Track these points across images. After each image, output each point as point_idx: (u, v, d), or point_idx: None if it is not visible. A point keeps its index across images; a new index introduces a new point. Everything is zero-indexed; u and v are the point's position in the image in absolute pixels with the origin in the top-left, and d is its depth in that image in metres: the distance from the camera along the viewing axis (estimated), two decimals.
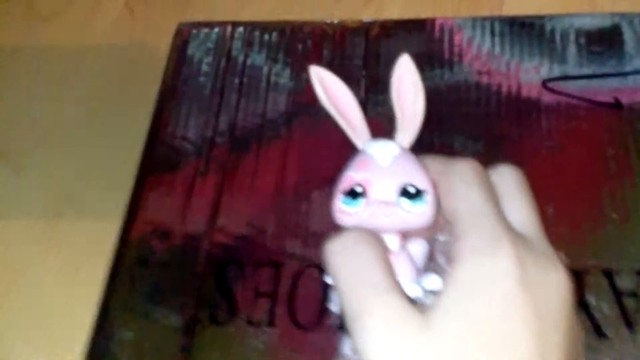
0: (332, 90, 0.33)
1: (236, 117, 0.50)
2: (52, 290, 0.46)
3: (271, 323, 0.40)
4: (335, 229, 0.33)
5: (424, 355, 0.27)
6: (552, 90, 0.48)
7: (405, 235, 0.34)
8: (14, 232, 0.49)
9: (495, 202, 0.30)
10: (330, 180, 0.45)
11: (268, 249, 0.43)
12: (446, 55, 0.51)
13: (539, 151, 0.45)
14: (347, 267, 0.29)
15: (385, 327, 0.27)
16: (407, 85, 0.32)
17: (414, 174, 0.31)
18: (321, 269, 0.41)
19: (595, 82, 0.48)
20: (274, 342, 0.39)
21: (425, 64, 0.50)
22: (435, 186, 0.32)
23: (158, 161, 0.48)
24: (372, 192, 0.31)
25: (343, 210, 0.31)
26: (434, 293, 0.32)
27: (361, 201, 0.31)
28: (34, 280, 0.46)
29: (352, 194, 0.31)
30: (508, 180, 0.32)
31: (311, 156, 0.47)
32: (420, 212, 0.31)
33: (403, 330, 0.27)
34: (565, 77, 0.48)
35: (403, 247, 0.32)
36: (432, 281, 0.34)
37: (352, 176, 0.31)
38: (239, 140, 0.48)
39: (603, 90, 0.47)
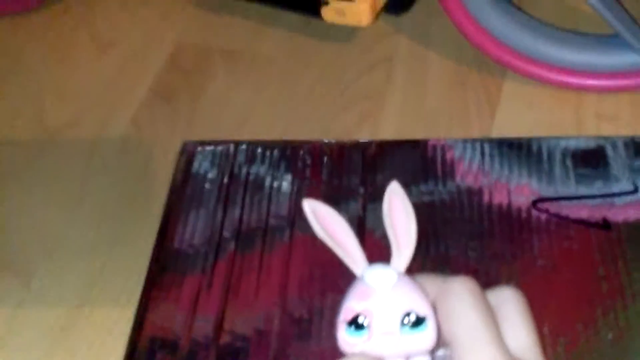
0: (326, 221, 0.34)
1: (240, 229, 0.51)
2: None
3: None
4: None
5: None
6: (543, 211, 0.50)
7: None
8: (23, 343, 0.49)
9: (494, 326, 0.31)
10: (334, 288, 0.47)
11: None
12: (439, 172, 0.53)
13: (532, 270, 0.47)
14: None
15: None
16: (398, 212, 0.33)
17: (414, 301, 0.32)
18: None
19: (584, 202, 0.50)
20: None
21: (420, 180, 0.53)
22: (433, 307, 0.33)
23: (163, 274, 0.49)
24: (374, 323, 0.31)
25: (347, 342, 0.32)
26: None
27: (364, 332, 0.31)
28: None
29: (355, 325, 0.31)
30: (508, 302, 0.32)
31: (313, 267, 0.49)
32: (422, 338, 0.31)
33: None
34: (554, 198, 0.50)
35: None
36: None
37: (352, 307, 0.32)
38: (242, 249, 0.50)
39: (592, 210, 0.49)
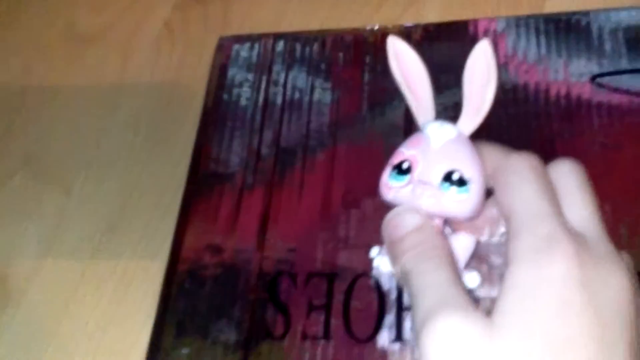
0: (405, 64, 0.32)
1: (280, 130, 0.49)
2: (106, 309, 0.46)
3: (326, 336, 0.39)
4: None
5: None
6: (602, 86, 0.46)
7: (454, 227, 0.33)
8: (66, 251, 0.49)
9: (554, 200, 0.29)
10: (377, 190, 0.45)
11: (319, 261, 0.42)
12: None
13: (593, 149, 0.44)
14: (418, 268, 0.29)
15: (452, 332, 0.26)
16: (481, 73, 0.31)
17: (463, 161, 0.31)
18: (375, 279, 0.41)
19: None
20: (330, 355, 0.39)
21: None
22: (484, 176, 0.31)
23: (205, 176, 0.48)
24: (417, 171, 0.31)
25: (387, 183, 0.31)
26: (472, 291, 0.32)
27: (406, 177, 0.31)
28: (88, 300, 0.46)
29: (399, 169, 0.31)
30: (567, 176, 0.31)
31: (357, 167, 0.47)
32: (461, 200, 0.30)
33: (469, 337, 0.26)
34: (614, 72, 0.47)
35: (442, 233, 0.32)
36: (471, 278, 0.34)
37: (403, 152, 0.31)
38: (285, 153, 0.48)
39: None
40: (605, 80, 0.47)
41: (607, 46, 0.48)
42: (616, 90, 0.46)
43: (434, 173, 0.30)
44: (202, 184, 0.47)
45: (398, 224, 0.31)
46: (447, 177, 0.30)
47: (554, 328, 0.26)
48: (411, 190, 0.31)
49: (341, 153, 0.47)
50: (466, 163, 0.31)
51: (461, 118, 0.32)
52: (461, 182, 0.30)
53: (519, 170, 0.30)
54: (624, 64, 0.47)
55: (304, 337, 0.39)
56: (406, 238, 0.30)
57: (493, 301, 0.28)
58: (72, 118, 0.56)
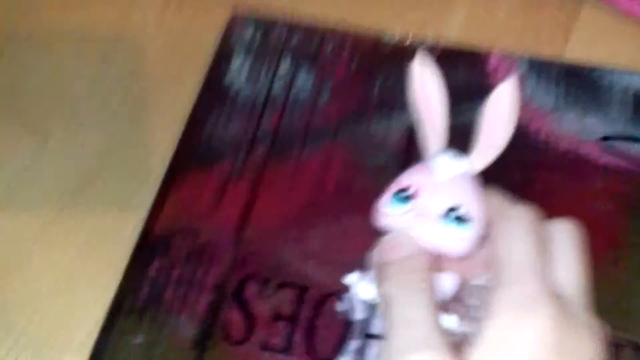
0: (427, 89, 0.32)
1: (279, 125, 0.48)
2: (59, 275, 0.43)
3: (287, 350, 0.38)
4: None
5: None
6: (609, 150, 0.46)
7: (441, 264, 0.32)
8: (33, 203, 0.46)
9: (545, 258, 0.30)
10: (367, 204, 0.43)
11: (293, 270, 0.41)
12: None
13: (590, 211, 0.43)
14: (403, 298, 0.29)
15: None
16: (502, 108, 0.31)
17: (467, 199, 0.30)
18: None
19: None
20: None
21: (475, 95, 0.49)
22: (484, 218, 0.31)
23: (192, 157, 0.46)
24: (420, 201, 0.30)
25: (385, 209, 0.30)
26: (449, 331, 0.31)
27: (406, 205, 0.30)
28: (48, 258, 0.44)
29: (400, 197, 0.30)
30: (565, 236, 0.31)
31: (349, 178, 0.45)
32: (459, 238, 0.30)
33: None
34: (626, 138, 0.46)
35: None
36: (450, 321, 0.33)
37: (406, 179, 0.31)
38: (278, 148, 0.46)
39: None
40: (613, 142, 0.46)
41: (619, 108, 0.48)
42: (622, 155, 0.45)
43: (437, 206, 0.30)
44: (189, 164, 0.46)
45: (394, 246, 0.31)
46: (449, 212, 0.30)
47: None
48: (409, 219, 0.30)
49: (336, 162, 0.46)
50: (470, 201, 0.30)
51: (473, 154, 0.32)
52: (462, 220, 0.30)
53: (517, 221, 0.30)
54: (635, 129, 0.47)
55: (264, 347, 0.38)
56: (399, 262, 0.30)
57: (465, 336, 0.28)
58: (62, 63, 0.54)
